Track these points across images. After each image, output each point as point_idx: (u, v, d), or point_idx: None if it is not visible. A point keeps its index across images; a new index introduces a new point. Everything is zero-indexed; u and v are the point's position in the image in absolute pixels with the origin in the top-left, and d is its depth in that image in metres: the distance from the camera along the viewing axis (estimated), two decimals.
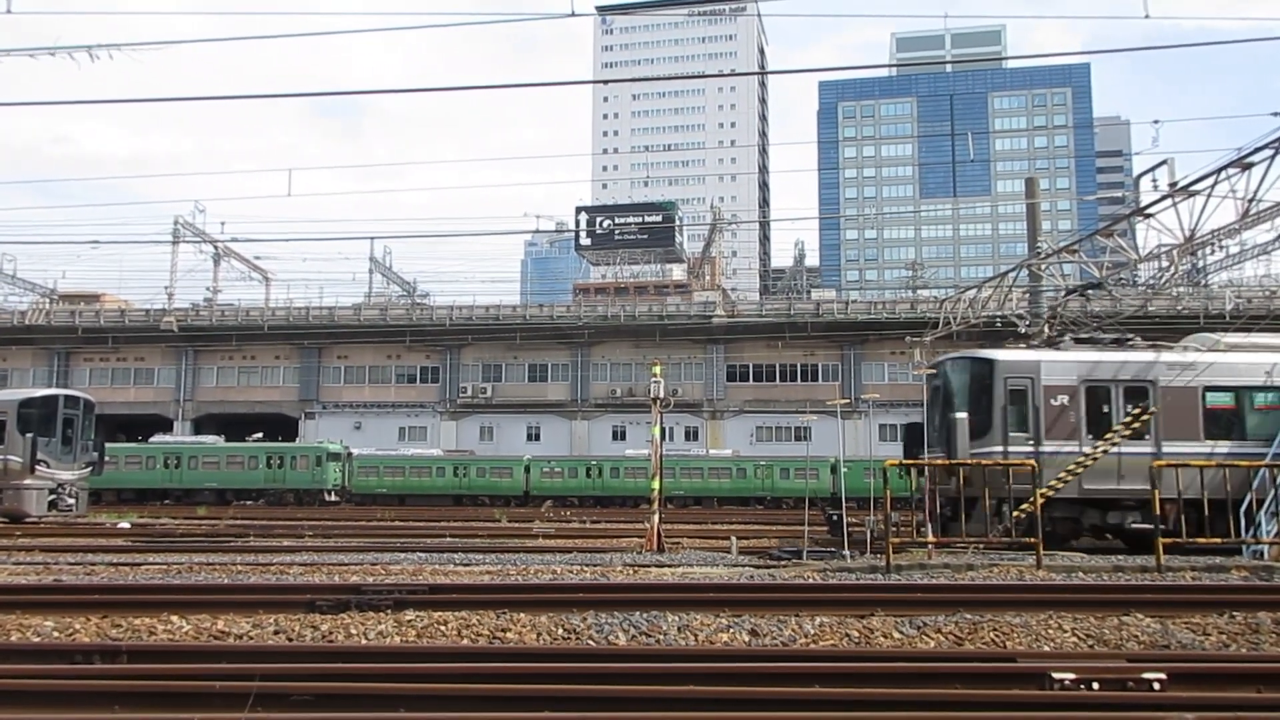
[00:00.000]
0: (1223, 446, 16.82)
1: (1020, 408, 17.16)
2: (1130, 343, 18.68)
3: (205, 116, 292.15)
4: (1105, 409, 17.22)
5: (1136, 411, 17.14)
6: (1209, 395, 17.25)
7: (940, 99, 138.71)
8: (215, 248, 62.11)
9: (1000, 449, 16.90)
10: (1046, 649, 7.93)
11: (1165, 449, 16.83)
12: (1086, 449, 16.93)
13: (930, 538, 14.35)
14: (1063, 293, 24.69)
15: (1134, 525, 16.76)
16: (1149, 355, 17.83)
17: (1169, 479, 15.34)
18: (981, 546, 14.90)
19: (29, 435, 25.06)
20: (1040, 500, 14.31)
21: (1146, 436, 17.07)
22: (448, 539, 20.38)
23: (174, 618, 8.76)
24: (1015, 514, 15.01)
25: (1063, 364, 17.49)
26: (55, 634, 8.33)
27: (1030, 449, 16.78)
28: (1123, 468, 16.82)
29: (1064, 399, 17.09)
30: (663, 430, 17.41)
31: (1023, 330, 24.82)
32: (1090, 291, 22.92)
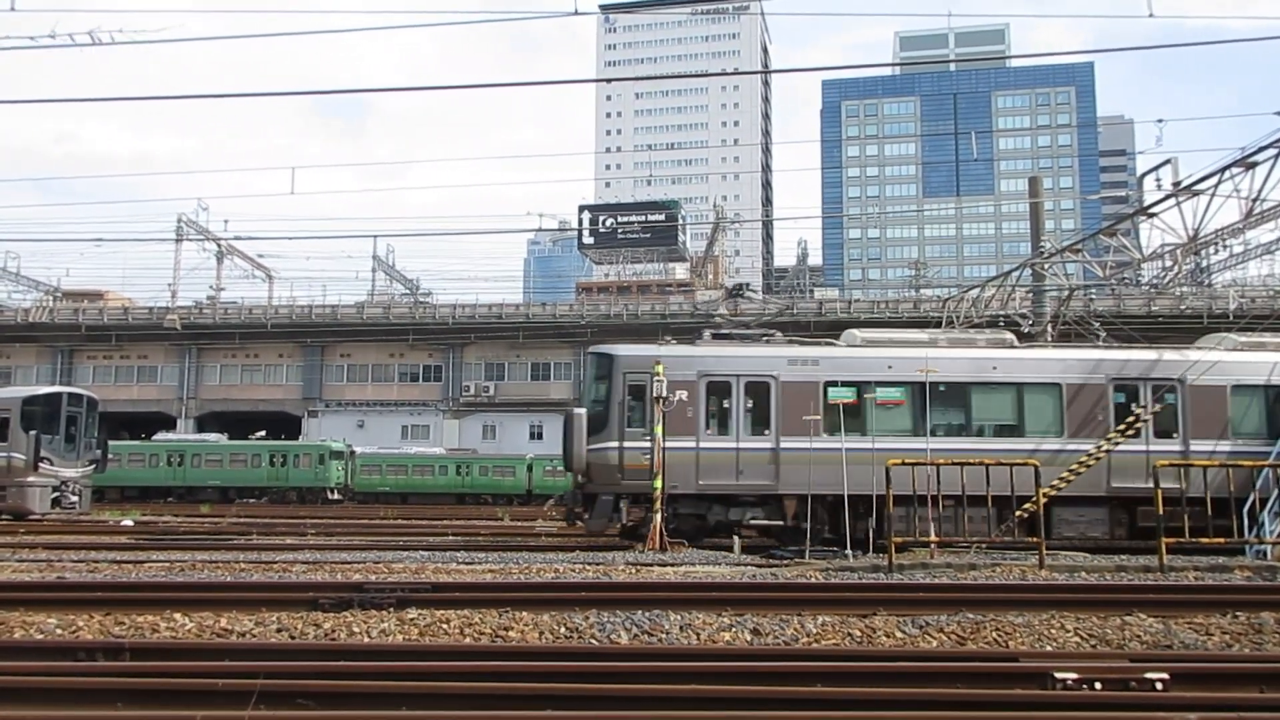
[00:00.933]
0: (845, 441, 16.76)
1: (641, 403, 17.12)
2: (769, 339, 18.58)
3: (208, 115, 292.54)
4: (725, 404, 17.22)
5: (752, 406, 17.14)
6: (830, 390, 17.21)
7: (943, 98, 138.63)
8: (218, 246, 62.14)
9: (616, 445, 16.89)
10: (1049, 649, 7.92)
11: (783, 444, 16.85)
12: (704, 444, 16.89)
13: (932, 536, 14.33)
14: (1065, 292, 24.68)
15: (753, 521, 16.91)
16: (770, 350, 17.81)
17: (791, 475, 15.94)
18: (984, 547, 14.90)
19: (33, 433, 25.11)
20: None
21: (766, 432, 17.03)
22: (450, 537, 20.40)
23: (177, 615, 8.76)
24: (1018, 514, 14.97)
25: (683, 359, 17.43)
26: (58, 631, 8.33)
27: (647, 444, 16.75)
28: (740, 463, 16.80)
29: (683, 394, 17.02)
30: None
31: (1025, 330, 24.80)
32: (1092, 291, 23.02)
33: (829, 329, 55.21)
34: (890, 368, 17.38)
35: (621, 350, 17.92)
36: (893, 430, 17.12)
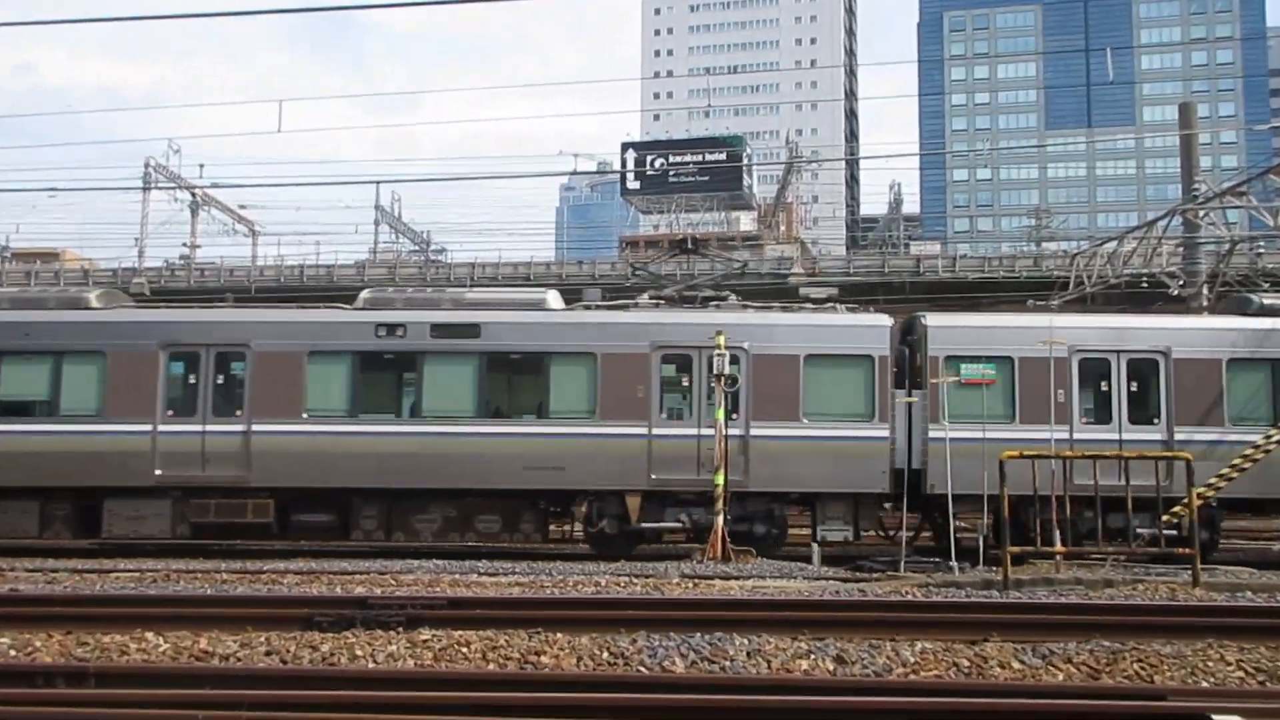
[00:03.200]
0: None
1: None
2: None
3: (183, 41, 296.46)
4: None
5: None
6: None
7: (1072, 6, 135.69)
8: (192, 195, 62.97)
9: None
10: (1205, 685, 7.82)
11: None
12: None
13: (1058, 546, 14.15)
14: (1225, 246, 24.14)
15: None
16: None
17: None
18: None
19: None
20: None
21: None
22: (470, 541, 20.55)
23: (149, 635, 8.95)
24: (1165, 518, 14.74)
25: None
26: (12, 652, 8.55)
27: None
28: None
29: None
30: (728, 412, 17.23)
31: (1174, 291, 24.31)
32: (1261, 244, 22.46)
33: (927, 291, 54.89)
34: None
35: None
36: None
